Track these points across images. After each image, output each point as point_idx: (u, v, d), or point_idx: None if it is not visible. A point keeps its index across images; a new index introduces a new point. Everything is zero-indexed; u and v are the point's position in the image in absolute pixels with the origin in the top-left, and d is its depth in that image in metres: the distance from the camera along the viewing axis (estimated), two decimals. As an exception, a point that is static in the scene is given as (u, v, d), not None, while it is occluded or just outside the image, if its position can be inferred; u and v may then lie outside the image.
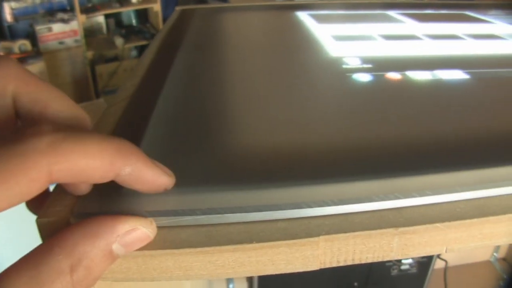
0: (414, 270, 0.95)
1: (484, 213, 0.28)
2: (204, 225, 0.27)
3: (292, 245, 0.26)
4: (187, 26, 0.66)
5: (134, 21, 2.48)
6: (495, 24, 0.66)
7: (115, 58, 2.24)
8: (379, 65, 0.46)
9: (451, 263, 1.16)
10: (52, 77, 1.86)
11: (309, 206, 0.27)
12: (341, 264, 0.27)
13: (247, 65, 0.52)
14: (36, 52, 2.05)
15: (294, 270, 0.27)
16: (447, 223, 0.28)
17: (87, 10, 2.30)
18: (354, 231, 0.26)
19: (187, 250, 0.26)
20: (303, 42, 0.60)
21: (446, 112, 0.39)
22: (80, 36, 2.13)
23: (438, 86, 0.43)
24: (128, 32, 2.36)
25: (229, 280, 1.08)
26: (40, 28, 2.04)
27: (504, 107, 0.41)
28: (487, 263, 1.24)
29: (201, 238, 0.27)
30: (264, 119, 0.38)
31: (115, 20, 2.39)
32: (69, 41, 2.13)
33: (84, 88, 2.04)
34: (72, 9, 2.19)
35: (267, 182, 0.29)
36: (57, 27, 2.07)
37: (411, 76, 0.44)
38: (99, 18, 2.30)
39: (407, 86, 0.43)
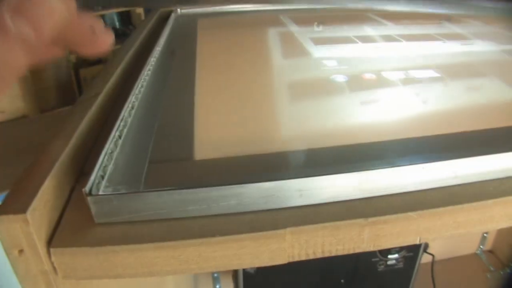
0: (400, 265, 0.95)
1: (457, 201, 0.28)
2: (166, 219, 0.26)
3: (257, 238, 0.25)
4: (161, 29, 0.64)
5: (117, 24, 2.46)
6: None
7: (99, 61, 2.22)
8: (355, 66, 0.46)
9: (438, 257, 1.15)
10: (35, 81, 1.83)
11: (276, 196, 0.26)
12: (311, 257, 0.26)
13: (222, 69, 0.51)
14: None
15: (261, 264, 0.26)
16: (419, 212, 0.27)
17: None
18: (321, 222, 0.25)
19: (149, 245, 0.25)
20: (284, 44, 0.59)
21: (419, 106, 0.39)
22: (63, 39, 2.10)
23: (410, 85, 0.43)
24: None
25: (215, 280, 1.06)
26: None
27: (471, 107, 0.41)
28: (474, 255, 1.24)
29: (163, 232, 0.26)
30: (232, 115, 0.38)
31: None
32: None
33: (68, 92, 2.01)
34: (55, 13, 2.15)
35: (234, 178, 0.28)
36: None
37: (385, 76, 0.44)
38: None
39: (380, 85, 0.42)
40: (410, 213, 0.26)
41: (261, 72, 0.48)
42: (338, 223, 0.25)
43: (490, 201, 0.28)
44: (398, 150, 0.31)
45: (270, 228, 0.25)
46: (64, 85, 2.02)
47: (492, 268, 1.19)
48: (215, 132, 0.35)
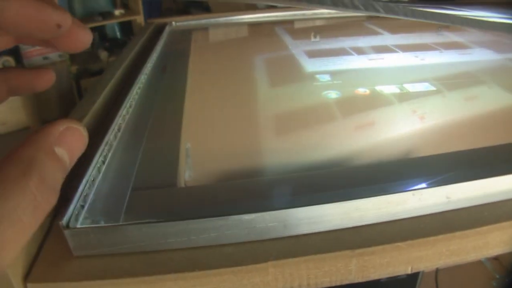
0: (403, 275, 0.93)
1: (450, 229, 0.27)
2: (146, 252, 0.25)
3: (238, 272, 0.24)
4: (156, 42, 0.63)
5: (118, 34, 2.46)
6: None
7: (100, 72, 2.22)
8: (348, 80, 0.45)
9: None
10: (37, 92, 1.85)
11: (258, 228, 0.25)
12: (296, 290, 0.25)
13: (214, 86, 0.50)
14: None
15: (244, 298, 0.25)
16: (409, 242, 0.26)
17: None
18: (305, 254, 0.24)
19: (128, 280, 0.24)
20: (278, 58, 0.58)
21: (412, 125, 0.37)
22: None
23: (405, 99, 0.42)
24: (112, 45, 2.33)
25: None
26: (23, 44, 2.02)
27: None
28: (479, 263, 1.21)
29: (143, 266, 0.25)
30: (220, 141, 0.37)
31: (99, 33, 2.37)
32: (53, 56, 2.10)
33: (70, 103, 2.02)
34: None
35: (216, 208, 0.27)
36: (40, 42, 2.05)
37: (379, 91, 0.43)
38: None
39: (373, 101, 0.41)
40: (399, 244, 0.25)
41: (251, 91, 0.47)
42: (323, 255, 0.24)
43: (484, 228, 0.27)
44: (388, 174, 0.30)
45: (251, 261, 0.24)
46: (65, 96, 2.02)
47: (497, 276, 1.17)
48: (200, 158, 0.34)
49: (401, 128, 0.37)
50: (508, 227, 0.27)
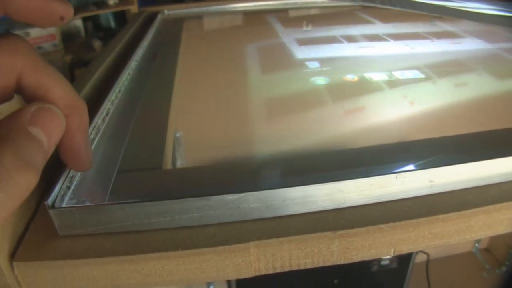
0: (394, 265, 0.93)
1: (432, 212, 0.27)
2: (130, 232, 0.25)
3: (220, 252, 0.24)
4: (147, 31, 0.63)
5: (112, 24, 2.44)
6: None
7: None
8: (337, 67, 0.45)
9: (433, 256, 1.14)
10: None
11: (240, 208, 0.25)
12: (278, 270, 0.25)
13: (204, 74, 0.50)
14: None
15: (227, 277, 0.25)
16: (392, 224, 0.26)
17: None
18: (288, 235, 0.24)
19: (111, 258, 0.24)
20: (269, 46, 0.58)
21: (399, 110, 0.38)
22: (58, 40, 2.10)
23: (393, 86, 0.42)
24: (107, 34, 2.31)
25: (208, 284, 1.05)
26: (17, 34, 2.00)
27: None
28: (470, 254, 1.22)
29: (126, 246, 0.25)
30: (207, 124, 0.37)
31: (93, 23, 2.35)
32: (47, 45, 2.09)
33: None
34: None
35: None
36: (34, 32, 2.03)
37: (367, 78, 0.43)
38: (77, 22, 2.25)
39: (361, 87, 0.41)
40: (381, 226, 0.25)
41: (240, 78, 0.47)
42: (304, 236, 0.24)
43: (468, 211, 0.27)
44: (373, 157, 0.30)
45: (234, 241, 0.24)
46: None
47: (488, 267, 1.18)
48: (187, 140, 0.35)
49: (388, 113, 0.37)
50: (491, 211, 0.28)
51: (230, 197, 0.24)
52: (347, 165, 0.29)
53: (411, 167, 0.28)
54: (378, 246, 0.26)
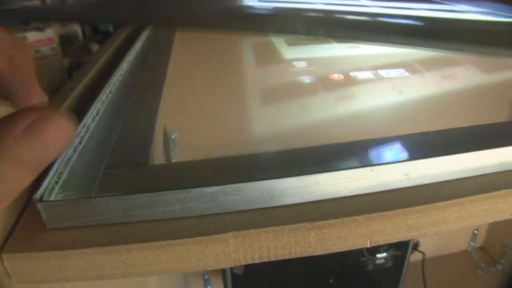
0: (389, 263, 0.94)
1: (408, 203, 0.28)
2: (114, 224, 0.26)
3: (200, 243, 0.25)
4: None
5: (110, 27, 2.46)
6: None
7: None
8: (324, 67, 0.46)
9: (429, 255, 1.15)
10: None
11: (220, 201, 0.26)
12: (257, 261, 0.26)
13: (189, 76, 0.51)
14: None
15: (207, 267, 0.26)
16: (367, 215, 0.27)
17: (65, 16, 2.26)
18: (265, 226, 0.25)
19: (97, 249, 0.25)
20: (257, 46, 0.59)
21: (379, 106, 0.38)
22: (56, 44, 2.11)
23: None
24: (105, 38, 2.32)
25: (206, 282, 1.06)
26: (14, 37, 2.01)
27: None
28: (465, 252, 1.23)
29: (111, 237, 0.26)
30: (193, 120, 0.38)
31: (91, 26, 2.36)
32: (45, 49, 2.10)
33: (65, 94, 2.03)
34: (50, 16, 2.15)
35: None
36: (32, 36, 2.04)
37: (353, 76, 0.44)
38: (75, 25, 2.27)
39: (346, 85, 0.42)
40: (356, 217, 0.26)
41: (228, 75, 0.48)
42: (281, 227, 0.25)
43: (442, 203, 0.28)
44: (350, 151, 0.31)
45: (213, 232, 0.25)
46: (57, 89, 2.04)
47: (483, 265, 1.19)
48: (179, 140, 0.35)
49: (367, 109, 0.38)
50: (466, 203, 0.29)
51: (209, 189, 0.25)
52: (325, 159, 0.29)
53: (387, 160, 0.29)
54: (354, 237, 0.27)
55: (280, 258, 0.26)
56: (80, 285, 0.50)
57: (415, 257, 1.11)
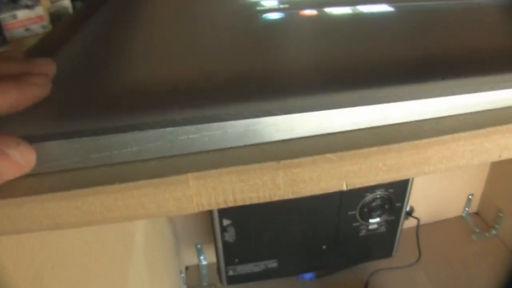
0: (383, 229, 0.93)
1: (385, 141, 0.26)
2: (68, 170, 0.25)
3: (158, 185, 0.23)
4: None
5: None
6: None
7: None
8: (296, 5, 0.43)
9: (423, 221, 1.14)
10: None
11: (179, 141, 0.24)
12: (222, 205, 0.24)
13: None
14: (2, 40, 1.97)
15: (168, 213, 0.24)
16: (340, 153, 0.25)
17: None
18: (228, 166, 0.23)
19: (50, 195, 0.24)
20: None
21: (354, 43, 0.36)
22: (46, 21, 2.06)
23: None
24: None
25: (199, 252, 1.06)
26: (4, 16, 1.96)
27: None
28: (460, 218, 1.22)
29: (66, 183, 0.24)
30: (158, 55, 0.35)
31: (81, 2, 2.31)
32: (35, 27, 2.05)
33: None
34: (35, -6, 2.10)
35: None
36: (22, 14, 1.99)
37: (328, 12, 0.41)
38: (65, 2, 2.21)
39: (319, 21, 0.39)
40: (328, 155, 0.24)
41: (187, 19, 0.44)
42: (247, 167, 0.23)
43: (422, 141, 0.26)
44: (322, 85, 0.28)
45: (172, 173, 0.23)
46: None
47: (477, 230, 1.18)
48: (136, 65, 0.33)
49: (342, 44, 0.35)
50: (449, 141, 0.27)
51: (168, 129, 0.23)
52: (294, 95, 0.27)
53: (363, 96, 0.26)
54: (327, 178, 0.25)
55: (248, 202, 0.25)
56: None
57: (409, 223, 1.11)
